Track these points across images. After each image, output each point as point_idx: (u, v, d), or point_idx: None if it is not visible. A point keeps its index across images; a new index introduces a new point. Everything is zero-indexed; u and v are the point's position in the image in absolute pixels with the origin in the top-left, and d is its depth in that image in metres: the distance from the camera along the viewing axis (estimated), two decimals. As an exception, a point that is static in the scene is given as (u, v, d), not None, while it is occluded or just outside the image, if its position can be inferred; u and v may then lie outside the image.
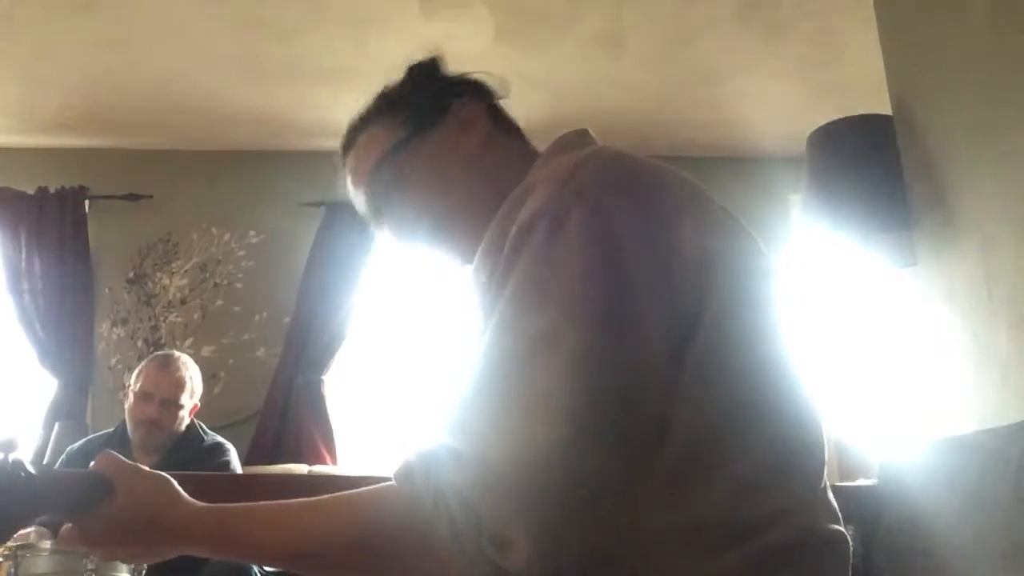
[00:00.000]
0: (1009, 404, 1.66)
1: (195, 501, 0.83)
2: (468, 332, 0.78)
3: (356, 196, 1.04)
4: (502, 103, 1.05)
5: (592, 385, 0.65)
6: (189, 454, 2.53)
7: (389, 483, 0.75)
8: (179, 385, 2.56)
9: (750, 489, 0.70)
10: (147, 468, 0.85)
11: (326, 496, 0.79)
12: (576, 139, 0.95)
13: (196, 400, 2.63)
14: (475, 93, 1.02)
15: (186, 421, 2.59)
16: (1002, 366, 1.70)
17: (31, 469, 0.77)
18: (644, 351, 0.68)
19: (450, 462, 0.69)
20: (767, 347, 0.75)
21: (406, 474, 0.73)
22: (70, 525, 0.83)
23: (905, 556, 1.39)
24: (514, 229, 0.73)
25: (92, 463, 0.85)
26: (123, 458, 0.85)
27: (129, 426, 2.54)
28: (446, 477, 0.68)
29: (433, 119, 0.99)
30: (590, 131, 0.97)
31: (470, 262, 0.98)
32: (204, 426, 2.67)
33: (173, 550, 0.83)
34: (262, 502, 0.81)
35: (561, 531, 0.64)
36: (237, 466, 2.61)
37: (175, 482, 0.84)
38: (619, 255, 0.70)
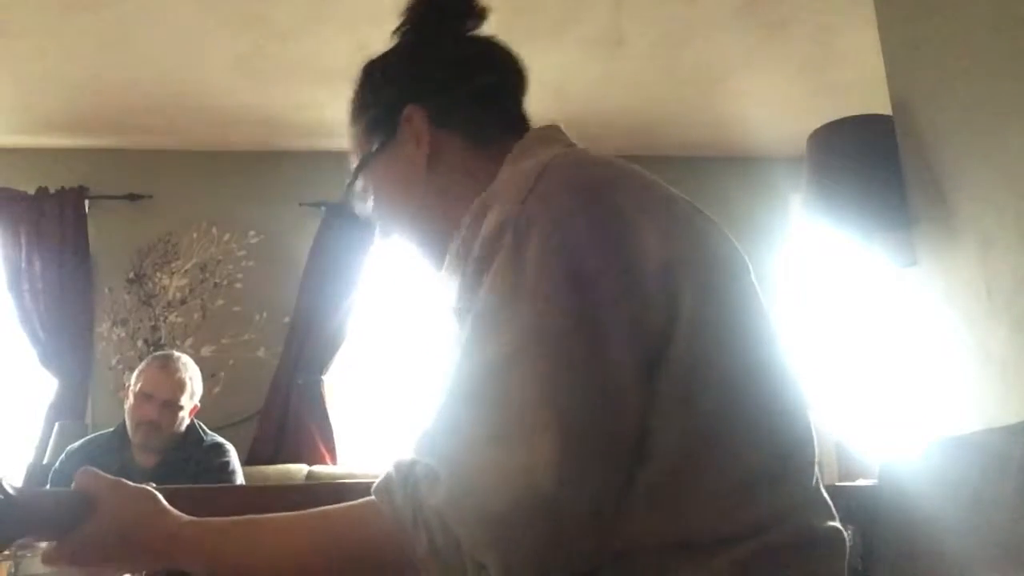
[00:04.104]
0: (1009, 404, 1.66)
1: (180, 515, 0.81)
2: (442, 342, 0.77)
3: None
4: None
5: (563, 405, 0.64)
6: (189, 454, 2.53)
7: (369, 499, 0.75)
8: (179, 386, 2.56)
9: (738, 496, 0.68)
10: (130, 483, 0.84)
11: (307, 511, 0.78)
12: (545, 136, 0.91)
13: (196, 401, 2.63)
14: (423, 93, 0.94)
15: (186, 422, 2.58)
16: (1002, 366, 1.70)
17: (10, 490, 0.75)
18: (615, 366, 0.66)
19: (425, 482, 0.68)
20: (745, 348, 0.74)
21: (386, 490, 0.72)
22: (53, 544, 0.81)
23: (905, 556, 1.39)
24: (479, 242, 0.72)
25: (74, 481, 0.83)
26: (104, 474, 0.83)
27: (129, 427, 2.54)
28: (423, 497, 0.68)
29: (387, 131, 0.95)
30: (561, 127, 0.93)
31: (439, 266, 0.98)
32: (204, 426, 2.67)
33: (157, 565, 0.82)
34: (245, 516, 0.80)
35: (535, 555, 0.64)
36: (237, 466, 2.61)
37: (159, 495, 0.83)
38: (585, 270, 0.68)
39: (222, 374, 3.90)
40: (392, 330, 4.02)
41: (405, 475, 0.71)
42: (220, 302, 4.01)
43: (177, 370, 2.59)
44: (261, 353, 3.96)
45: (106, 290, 3.99)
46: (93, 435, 2.70)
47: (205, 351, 3.92)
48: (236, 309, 4.01)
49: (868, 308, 3.14)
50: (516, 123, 0.96)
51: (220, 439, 2.66)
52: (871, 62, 2.33)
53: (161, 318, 3.98)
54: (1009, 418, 1.48)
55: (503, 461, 0.64)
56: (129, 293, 4.00)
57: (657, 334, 0.69)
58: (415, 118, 0.93)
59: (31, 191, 3.96)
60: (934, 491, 1.39)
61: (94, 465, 0.86)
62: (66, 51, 3.28)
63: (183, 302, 4.01)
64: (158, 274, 4.02)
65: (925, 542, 1.36)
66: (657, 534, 0.67)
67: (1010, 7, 1.71)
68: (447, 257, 0.79)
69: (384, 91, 0.97)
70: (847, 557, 0.75)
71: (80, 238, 3.95)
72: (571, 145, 0.90)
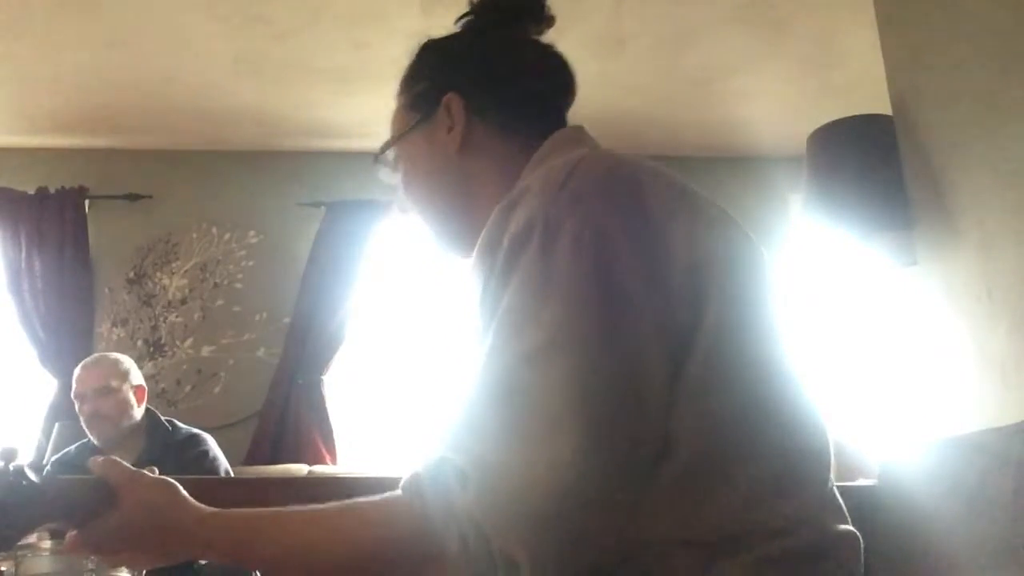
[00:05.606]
0: (1009, 404, 1.66)
1: (201, 506, 0.82)
2: (465, 334, 0.77)
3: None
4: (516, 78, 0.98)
5: (591, 403, 0.65)
6: (164, 450, 2.48)
7: (397, 495, 0.75)
8: (101, 374, 2.53)
9: (758, 498, 0.69)
10: (148, 473, 0.85)
11: (334, 504, 0.79)
12: (571, 137, 0.93)
13: (135, 382, 2.58)
14: (469, 83, 0.95)
15: (135, 406, 2.54)
16: (1002, 366, 1.70)
17: (33, 477, 0.77)
18: (642, 365, 0.67)
19: (455, 480, 0.69)
20: (767, 351, 0.74)
21: (415, 488, 0.73)
22: (74, 532, 0.82)
23: (905, 557, 1.39)
24: (507, 239, 0.72)
25: (92, 468, 0.84)
26: (126, 463, 0.84)
27: (88, 434, 2.52)
28: (454, 497, 0.68)
29: (427, 110, 0.96)
30: (585, 128, 0.95)
31: (457, 254, 0.98)
32: (175, 420, 2.63)
33: (179, 555, 0.83)
34: (270, 508, 0.81)
35: (562, 551, 0.65)
36: (218, 453, 2.56)
37: (180, 486, 0.84)
38: (613, 269, 0.69)
39: (222, 374, 3.90)
40: (392, 330, 4.02)
41: (434, 474, 0.71)
42: (220, 302, 4.01)
43: (98, 361, 2.61)
44: (261, 353, 3.96)
45: (106, 290, 3.98)
46: (72, 446, 2.64)
47: (205, 351, 3.92)
48: (236, 309, 4.01)
49: (868, 308, 3.14)
50: (555, 128, 0.96)
51: (194, 430, 2.61)
52: (871, 62, 2.33)
53: (161, 318, 3.98)
54: (1009, 418, 1.47)
55: (530, 459, 0.65)
56: (129, 293, 4.00)
57: (682, 334, 0.69)
58: (454, 106, 0.94)
59: (31, 191, 3.95)
60: (934, 491, 1.39)
61: (78, 472, 0.86)
62: (66, 51, 3.28)
63: (183, 302, 4.01)
64: (158, 274, 4.02)
65: (925, 542, 1.36)
66: (677, 531, 0.68)
67: (1010, 7, 1.71)
68: (473, 251, 0.79)
69: (434, 72, 0.98)
70: (862, 560, 0.76)
71: (80, 238, 3.94)
72: (596, 147, 0.90)
